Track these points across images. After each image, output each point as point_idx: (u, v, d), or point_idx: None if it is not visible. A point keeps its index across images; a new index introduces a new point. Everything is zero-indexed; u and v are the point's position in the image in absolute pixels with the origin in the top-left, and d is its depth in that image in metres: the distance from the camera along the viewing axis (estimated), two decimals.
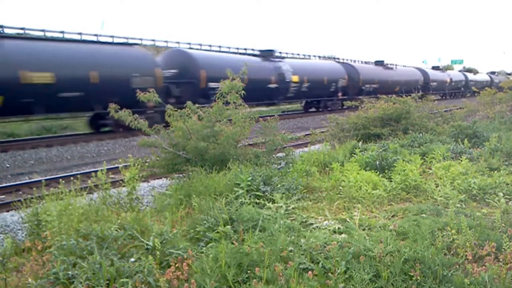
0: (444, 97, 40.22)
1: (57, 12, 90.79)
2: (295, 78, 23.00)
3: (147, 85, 13.12)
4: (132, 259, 3.53)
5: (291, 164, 7.03)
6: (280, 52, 26.68)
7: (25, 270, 3.52)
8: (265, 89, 21.00)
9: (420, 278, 3.13)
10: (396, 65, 35.19)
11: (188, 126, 6.89)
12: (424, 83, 34.85)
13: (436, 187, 5.66)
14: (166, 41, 36.48)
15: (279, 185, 5.53)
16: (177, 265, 3.33)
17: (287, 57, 27.95)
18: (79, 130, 18.12)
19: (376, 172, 6.23)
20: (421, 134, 9.45)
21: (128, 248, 3.80)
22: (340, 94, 26.43)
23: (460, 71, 50.28)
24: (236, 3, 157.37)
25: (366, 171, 6.23)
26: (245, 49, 32.13)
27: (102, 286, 3.12)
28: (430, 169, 6.72)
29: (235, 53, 28.09)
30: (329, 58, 39.57)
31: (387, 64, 33.44)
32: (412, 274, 3.15)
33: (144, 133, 7.16)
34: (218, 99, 7.18)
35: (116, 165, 7.20)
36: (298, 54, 40.74)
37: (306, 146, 10.41)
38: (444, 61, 64.23)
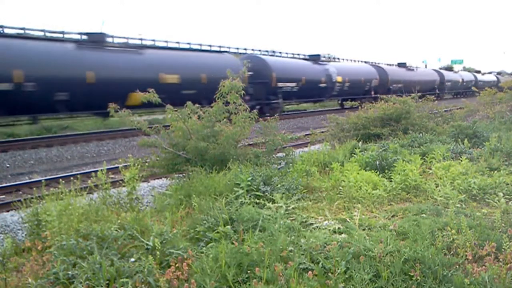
0: (456, 96, 42.88)
1: (57, 12, 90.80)
2: (339, 79, 26.16)
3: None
4: (132, 259, 3.53)
5: (291, 164, 7.03)
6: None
7: (25, 270, 3.52)
8: (317, 88, 24.77)
9: (420, 278, 3.13)
10: (417, 67, 38.82)
11: (188, 126, 6.89)
12: (440, 83, 38.30)
13: (436, 187, 5.66)
14: (166, 41, 36.47)
15: (279, 185, 5.53)
16: (177, 265, 3.33)
17: (331, 61, 31.94)
18: (79, 130, 18.13)
19: (376, 172, 6.23)
20: (421, 134, 9.45)
21: (128, 248, 3.80)
22: (372, 92, 29.39)
23: (469, 71, 53.53)
24: (236, 3, 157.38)
25: (366, 171, 6.23)
26: (298, 53, 34.31)
27: (102, 286, 3.12)
28: (430, 169, 6.72)
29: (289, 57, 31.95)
30: (329, 58, 40.87)
31: (409, 66, 36.91)
32: (412, 274, 3.15)
33: (144, 133, 7.17)
34: (218, 99, 7.19)
35: (116, 165, 7.21)
36: (298, 54, 41.44)
37: (306, 146, 10.41)
38: (444, 61, 64.31)
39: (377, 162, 6.74)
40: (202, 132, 6.83)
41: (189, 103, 7.28)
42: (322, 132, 11.15)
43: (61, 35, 31.86)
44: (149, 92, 7.09)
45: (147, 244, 3.80)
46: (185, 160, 6.78)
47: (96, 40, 15.79)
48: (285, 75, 21.97)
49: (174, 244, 3.76)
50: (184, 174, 6.69)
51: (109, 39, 17.32)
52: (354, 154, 7.42)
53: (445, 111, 13.34)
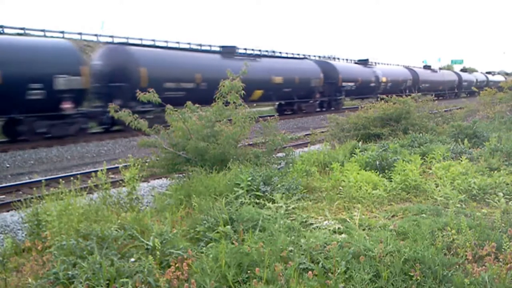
0: (469, 95, 44.63)
1: (57, 12, 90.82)
2: (384, 79, 31.79)
3: (317, 84, 25.08)
4: (132, 259, 3.53)
5: (291, 164, 7.02)
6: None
7: (25, 270, 3.52)
8: (368, 86, 30.15)
9: (420, 278, 3.13)
10: (440, 68, 45.28)
11: (188, 126, 6.89)
12: (458, 83, 43.48)
13: (436, 187, 5.66)
14: (166, 41, 36.48)
15: (279, 185, 5.53)
16: (177, 265, 3.33)
17: (377, 64, 37.55)
18: None
19: (376, 172, 6.23)
20: (421, 134, 9.45)
21: (128, 248, 3.80)
22: (407, 91, 32.66)
23: (481, 72, 57.86)
24: (236, 3, 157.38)
25: (366, 171, 6.24)
26: (347, 59, 39.74)
27: (102, 286, 3.12)
28: (430, 169, 6.72)
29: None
30: (328, 58, 42.38)
31: (433, 68, 43.34)
32: (412, 274, 3.15)
33: (144, 133, 7.17)
34: (218, 99, 7.19)
35: (116, 165, 7.21)
36: (296, 54, 42.02)
37: (306, 146, 10.41)
38: (444, 61, 64.50)
39: (377, 162, 6.74)
40: (202, 132, 6.83)
41: (189, 103, 7.28)
42: (322, 132, 11.16)
43: (60, 35, 31.89)
44: (149, 92, 7.09)
45: (147, 244, 3.80)
46: (185, 160, 6.78)
47: (230, 52, 21.05)
48: (347, 77, 27.45)
49: (174, 244, 3.76)
50: (184, 174, 6.69)
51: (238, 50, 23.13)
52: (354, 154, 7.42)
53: (445, 111, 13.34)
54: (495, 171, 6.34)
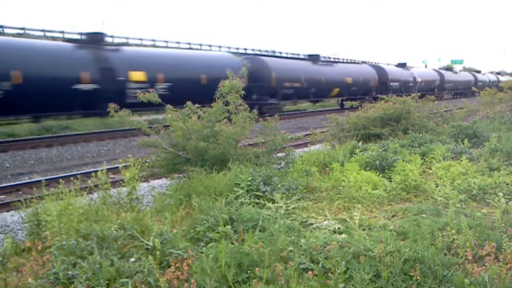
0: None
1: (57, 12, 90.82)
2: (419, 79, 37.59)
3: (374, 84, 30.79)
4: (132, 259, 3.53)
5: (291, 164, 7.02)
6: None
7: (25, 270, 3.52)
8: (408, 86, 34.51)
9: (420, 278, 3.13)
10: (460, 70, 51.43)
11: (188, 126, 6.89)
12: (474, 83, 48.07)
13: (436, 187, 5.66)
14: (166, 41, 36.49)
15: (279, 185, 5.53)
16: (177, 265, 3.33)
17: (412, 67, 42.54)
18: (79, 130, 18.13)
19: (376, 172, 6.23)
20: (421, 134, 9.44)
21: (128, 248, 3.80)
22: (436, 90, 40.73)
23: (492, 73, 61.68)
24: (236, 3, 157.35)
25: (366, 171, 6.23)
26: (387, 63, 43.97)
27: (102, 286, 3.12)
28: (430, 169, 6.71)
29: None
30: (329, 58, 43.34)
31: (454, 70, 50.32)
32: (412, 274, 3.15)
33: (144, 133, 7.17)
34: (218, 99, 7.19)
35: (116, 165, 7.20)
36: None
37: (306, 146, 10.41)
38: (444, 61, 64.63)
39: (377, 162, 6.73)
40: (202, 132, 6.83)
41: (189, 103, 7.27)
42: (322, 132, 11.15)
43: (60, 35, 31.89)
44: (148, 92, 7.09)
45: (147, 244, 3.80)
46: (185, 160, 6.78)
47: (315, 59, 28.11)
48: (393, 78, 33.63)
49: (174, 244, 3.76)
50: (184, 174, 6.69)
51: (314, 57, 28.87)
52: (354, 154, 7.42)
53: (445, 111, 13.34)
54: (495, 171, 6.34)
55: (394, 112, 10.92)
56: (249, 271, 3.30)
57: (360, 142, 9.11)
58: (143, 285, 3.14)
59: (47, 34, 30.64)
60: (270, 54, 30.24)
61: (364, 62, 37.60)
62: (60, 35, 31.61)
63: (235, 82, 7.19)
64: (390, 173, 6.21)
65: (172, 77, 17.20)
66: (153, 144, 7.02)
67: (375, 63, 41.76)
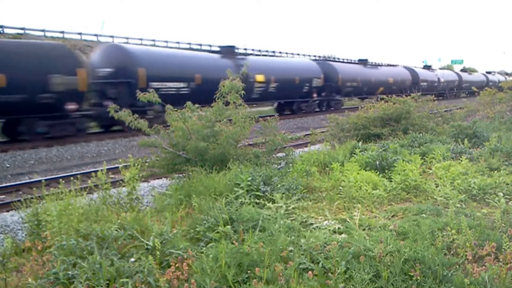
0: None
1: (57, 12, 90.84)
2: (443, 80, 43.80)
3: (407, 83, 34.73)
4: (132, 259, 3.53)
5: (291, 164, 7.02)
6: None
7: (25, 270, 3.52)
8: (433, 86, 41.57)
9: (420, 278, 3.13)
10: (474, 72, 57.01)
11: (188, 126, 6.89)
12: (486, 83, 51.56)
13: (436, 187, 5.66)
14: (166, 41, 36.46)
15: (279, 185, 5.53)
16: (177, 265, 3.33)
17: (436, 69, 48.78)
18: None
19: (376, 172, 6.22)
20: (421, 134, 9.44)
21: (128, 248, 3.80)
22: (455, 89, 47.68)
23: (499, 73, 64.17)
24: (236, 3, 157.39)
25: (366, 171, 6.23)
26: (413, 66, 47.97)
27: (102, 286, 3.12)
28: (430, 169, 6.71)
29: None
30: (328, 58, 43.99)
31: (469, 72, 55.61)
32: (412, 274, 3.15)
33: (144, 133, 7.17)
34: (218, 99, 7.19)
35: (116, 165, 7.21)
36: (296, 54, 42.87)
37: (306, 146, 10.41)
38: (444, 61, 64.78)
39: (377, 162, 6.73)
40: (202, 132, 6.83)
41: (189, 103, 7.28)
42: (322, 132, 11.15)
43: (61, 35, 31.89)
44: (149, 93, 7.09)
45: (147, 244, 3.80)
46: (185, 160, 6.78)
47: (364, 63, 33.92)
48: (423, 78, 39.40)
49: (174, 244, 3.76)
50: (184, 174, 6.69)
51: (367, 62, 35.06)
52: (354, 154, 7.41)
53: (445, 111, 13.34)
54: (495, 171, 6.34)
55: (394, 112, 10.92)
56: (249, 271, 3.30)
57: (360, 142, 9.11)
58: (143, 285, 3.13)
59: (47, 34, 30.66)
60: (332, 59, 38.55)
61: (398, 65, 42.56)
62: (60, 35, 31.63)
63: (235, 83, 7.19)
64: (390, 173, 6.21)
65: (279, 78, 23.36)
66: (153, 144, 7.02)
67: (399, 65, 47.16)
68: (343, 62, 35.01)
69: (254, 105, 23.77)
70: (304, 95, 25.62)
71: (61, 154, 13.08)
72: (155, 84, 15.95)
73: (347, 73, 29.31)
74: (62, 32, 31.74)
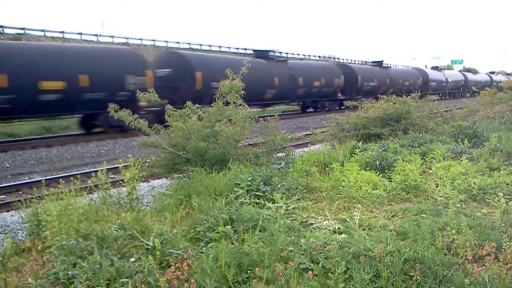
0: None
1: (57, 12, 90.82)
2: (450, 80, 45.81)
3: (419, 83, 36.81)
4: (132, 259, 3.52)
5: (291, 164, 7.02)
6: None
7: (25, 270, 3.52)
8: (442, 85, 44.10)
9: (420, 278, 3.13)
10: (477, 72, 60.94)
11: (188, 126, 6.89)
12: (490, 83, 54.32)
13: (436, 187, 5.65)
14: (166, 41, 36.44)
15: (279, 185, 5.53)
16: (177, 265, 3.33)
17: (444, 69, 52.59)
18: (79, 130, 18.13)
19: (376, 172, 6.22)
20: (421, 134, 9.44)
21: (128, 248, 3.80)
22: (461, 88, 49.49)
23: (506, 74, 66.76)
24: (236, 3, 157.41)
25: (366, 171, 6.23)
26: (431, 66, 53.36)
27: (102, 286, 3.12)
28: (430, 169, 6.71)
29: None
30: (328, 58, 44.40)
31: (473, 71, 59.28)
32: (412, 274, 3.15)
33: (144, 133, 7.16)
34: (218, 99, 7.19)
35: (116, 165, 7.21)
36: (298, 54, 43.06)
37: (306, 146, 10.40)
38: (444, 61, 65.01)
39: (377, 162, 6.73)
40: (202, 132, 6.83)
41: (189, 103, 7.28)
42: (322, 132, 11.15)
43: (61, 35, 31.84)
44: (149, 91, 7.10)
45: (147, 244, 3.80)
46: (185, 160, 6.78)
47: (379, 64, 35.83)
48: (432, 78, 41.73)
49: (174, 244, 3.76)
50: (184, 174, 6.68)
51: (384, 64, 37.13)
52: (354, 154, 7.41)
53: (445, 111, 13.33)
54: (495, 171, 6.33)
55: (394, 112, 10.91)
56: (249, 271, 3.30)
57: (360, 142, 9.11)
58: (143, 285, 3.13)
59: (47, 34, 30.63)
60: (350, 62, 41.71)
61: (406, 67, 46.53)
62: (60, 35, 31.60)
63: (235, 82, 7.20)
64: (390, 173, 6.21)
65: (306, 79, 26.39)
66: (153, 144, 7.02)
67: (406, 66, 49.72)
68: (360, 64, 38.61)
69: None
70: (328, 94, 28.71)
71: (61, 154, 13.08)
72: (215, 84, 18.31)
73: (365, 74, 31.99)
74: (62, 32, 31.72)
